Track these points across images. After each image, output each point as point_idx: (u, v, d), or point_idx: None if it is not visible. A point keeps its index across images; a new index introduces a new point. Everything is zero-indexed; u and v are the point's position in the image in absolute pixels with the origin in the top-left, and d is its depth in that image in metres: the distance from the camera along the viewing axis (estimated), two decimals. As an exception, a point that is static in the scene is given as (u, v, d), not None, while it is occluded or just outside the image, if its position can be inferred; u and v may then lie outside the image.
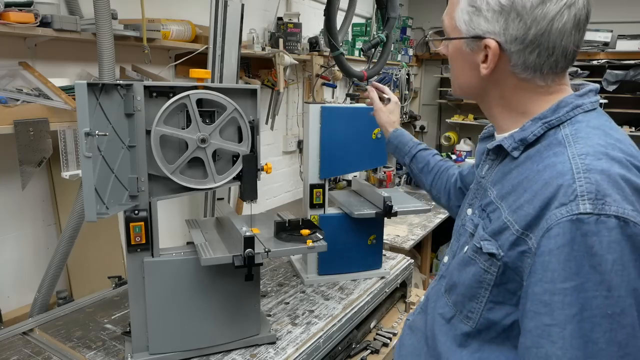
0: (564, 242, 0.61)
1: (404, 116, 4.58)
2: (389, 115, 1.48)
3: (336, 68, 3.02)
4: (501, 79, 0.77)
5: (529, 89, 0.77)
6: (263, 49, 2.62)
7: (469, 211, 0.87)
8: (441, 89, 5.20)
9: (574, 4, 0.70)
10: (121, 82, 1.23)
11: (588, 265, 0.59)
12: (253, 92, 1.38)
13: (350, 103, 2.03)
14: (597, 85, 0.80)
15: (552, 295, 0.62)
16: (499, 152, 0.82)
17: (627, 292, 0.59)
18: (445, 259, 0.93)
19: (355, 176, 2.95)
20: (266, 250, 1.33)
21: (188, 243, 1.49)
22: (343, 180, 3.55)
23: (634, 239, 0.60)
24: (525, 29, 0.71)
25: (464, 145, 4.72)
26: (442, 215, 3.23)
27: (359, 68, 3.11)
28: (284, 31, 2.85)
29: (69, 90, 1.62)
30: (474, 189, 0.89)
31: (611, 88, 4.01)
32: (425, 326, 0.91)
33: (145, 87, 1.26)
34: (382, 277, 2.05)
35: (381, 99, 1.54)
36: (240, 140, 1.38)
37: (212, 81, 2.07)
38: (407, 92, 4.40)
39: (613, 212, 0.60)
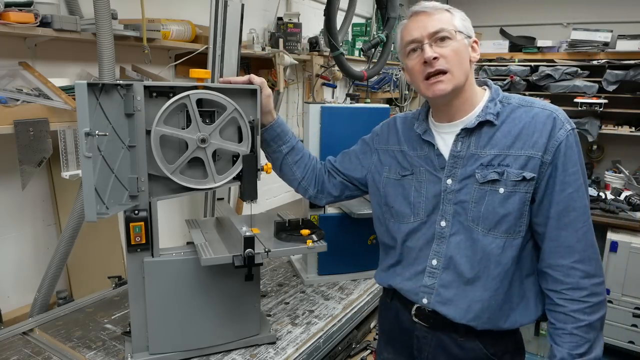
0: (570, 144, 1.11)
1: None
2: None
3: (336, 68, 3.02)
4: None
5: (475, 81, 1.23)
6: (263, 49, 2.62)
7: (449, 181, 1.18)
8: (441, 89, 5.19)
9: None
10: (121, 82, 1.23)
11: (577, 151, 1.13)
12: (253, 92, 1.38)
13: (350, 103, 2.03)
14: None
15: (578, 173, 1.11)
16: (470, 130, 1.17)
17: (582, 160, 1.14)
18: (443, 223, 1.19)
19: (355, 176, 2.94)
20: (266, 250, 1.33)
21: (188, 243, 1.49)
22: (343, 180, 3.54)
23: (578, 138, 1.15)
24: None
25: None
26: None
27: (359, 68, 3.11)
28: (284, 31, 2.85)
29: (69, 90, 1.62)
30: (449, 163, 1.19)
31: (611, 88, 4.00)
32: (458, 277, 1.18)
33: (145, 87, 1.26)
34: (382, 277, 2.04)
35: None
36: (240, 140, 1.38)
37: (212, 81, 2.07)
38: (407, 92, 4.39)
39: (573, 126, 1.13)
